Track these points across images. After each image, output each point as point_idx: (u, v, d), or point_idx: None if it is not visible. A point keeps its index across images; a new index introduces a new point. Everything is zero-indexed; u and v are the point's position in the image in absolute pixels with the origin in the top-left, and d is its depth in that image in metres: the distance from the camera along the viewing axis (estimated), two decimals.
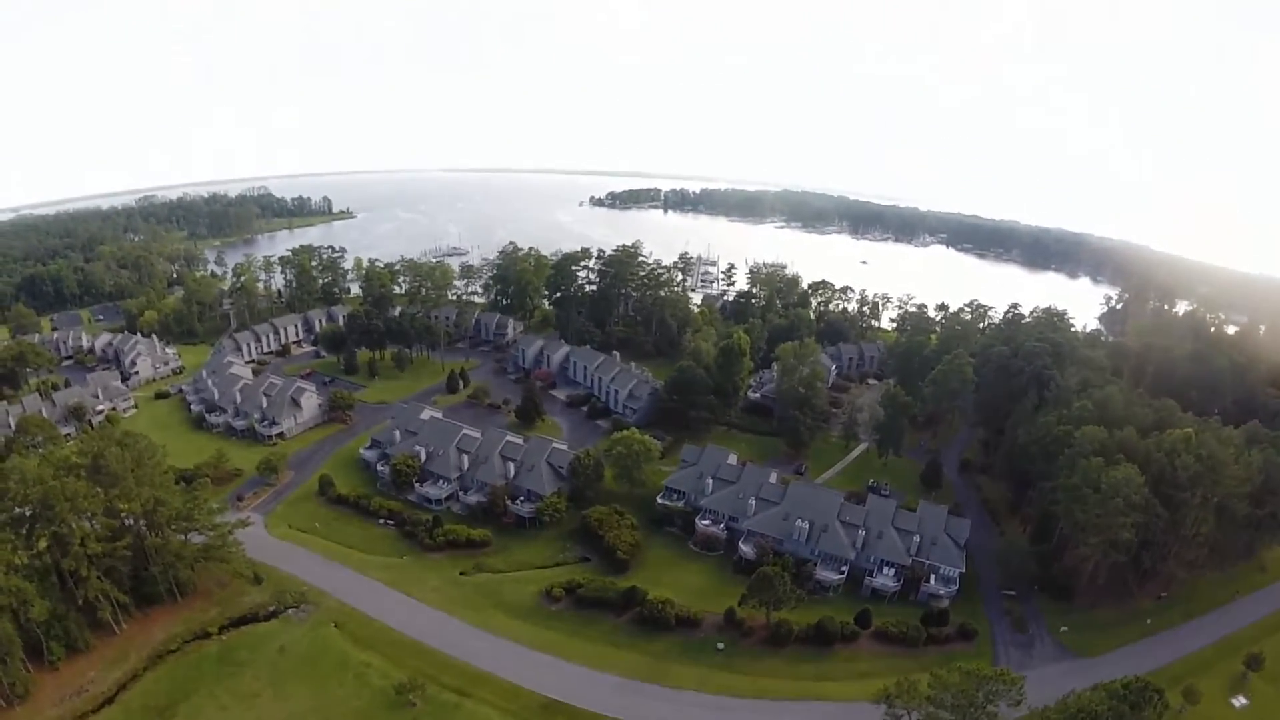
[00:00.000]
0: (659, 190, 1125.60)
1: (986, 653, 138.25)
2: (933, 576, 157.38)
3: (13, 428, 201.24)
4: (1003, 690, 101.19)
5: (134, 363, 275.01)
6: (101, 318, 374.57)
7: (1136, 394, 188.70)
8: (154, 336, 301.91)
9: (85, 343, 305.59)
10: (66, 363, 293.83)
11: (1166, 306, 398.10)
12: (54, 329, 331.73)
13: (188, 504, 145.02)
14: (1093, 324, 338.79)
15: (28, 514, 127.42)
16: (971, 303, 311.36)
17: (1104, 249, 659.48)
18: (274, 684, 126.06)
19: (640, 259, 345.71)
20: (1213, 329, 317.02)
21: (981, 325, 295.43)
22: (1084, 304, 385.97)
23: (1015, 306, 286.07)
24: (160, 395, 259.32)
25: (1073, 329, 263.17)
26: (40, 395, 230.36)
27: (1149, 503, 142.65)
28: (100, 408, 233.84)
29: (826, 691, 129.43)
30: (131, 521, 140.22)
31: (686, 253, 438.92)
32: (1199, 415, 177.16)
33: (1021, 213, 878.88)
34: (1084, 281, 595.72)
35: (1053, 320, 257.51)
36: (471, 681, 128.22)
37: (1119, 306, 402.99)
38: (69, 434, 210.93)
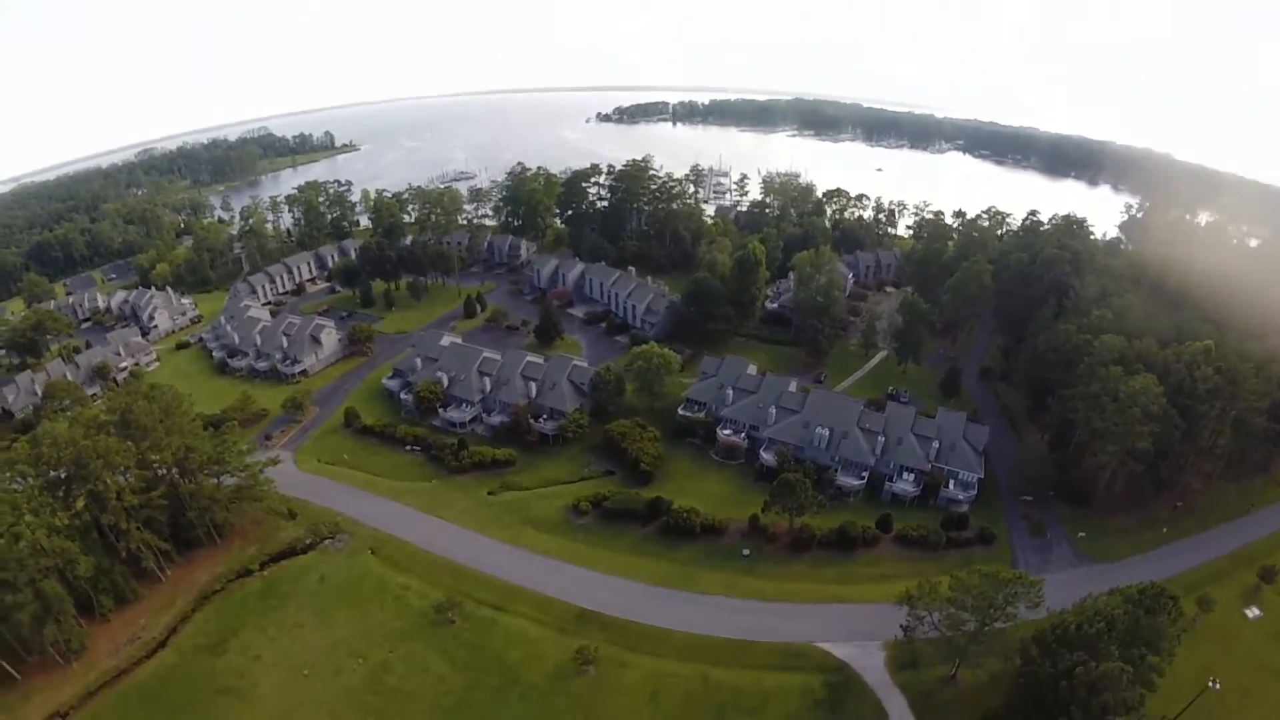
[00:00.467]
0: (667, 103, 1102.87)
1: (1005, 557, 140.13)
2: (951, 482, 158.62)
3: (39, 395, 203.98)
4: (1021, 592, 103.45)
5: (151, 317, 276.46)
6: (114, 276, 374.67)
7: (1156, 304, 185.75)
8: (168, 288, 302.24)
9: (101, 303, 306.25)
10: (85, 325, 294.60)
11: (1189, 217, 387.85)
12: (68, 293, 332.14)
13: (217, 448, 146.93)
14: (1113, 233, 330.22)
15: (63, 476, 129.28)
16: (989, 209, 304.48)
17: (1125, 157, 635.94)
18: (317, 613, 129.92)
19: (651, 173, 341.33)
20: (1235, 241, 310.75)
21: (999, 232, 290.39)
22: (1104, 212, 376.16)
23: (1034, 214, 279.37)
24: (181, 346, 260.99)
25: (1092, 237, 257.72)
26: (63, 360, 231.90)
27: (1167, 413, 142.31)
28: (123, 365, 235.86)
29: (849, 594, 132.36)
30: (164, 471, 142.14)
31: (698, 165, 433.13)
32: (1220, 328, 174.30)
33: (1041, 119, 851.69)
34: (1104, 190, 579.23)
35: (1072, 228, 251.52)
36: (506, 596, 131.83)
37: (1140, 216, 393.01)
38: (95, 394, 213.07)
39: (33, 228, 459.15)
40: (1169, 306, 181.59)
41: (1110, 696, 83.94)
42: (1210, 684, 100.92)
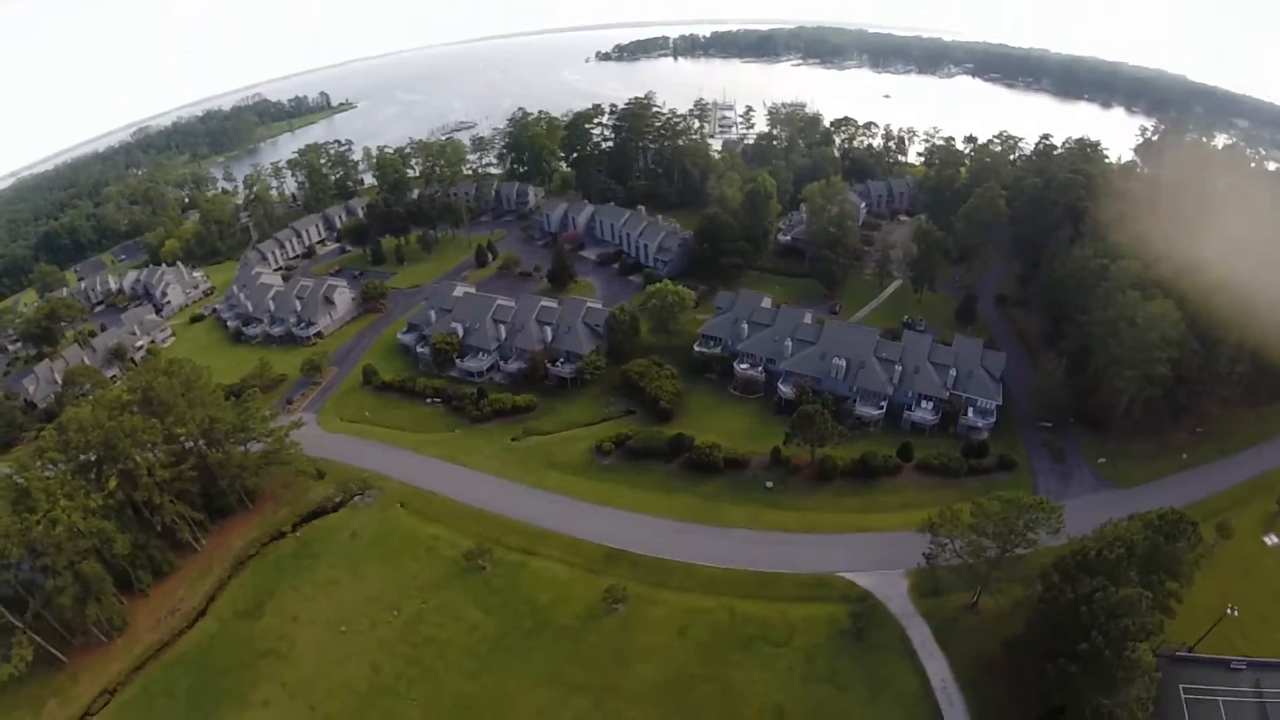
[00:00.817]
0: (667, 38, 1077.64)
1: (1026, 483, 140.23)
2: (970, 409, 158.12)
3: (60, 383, 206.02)
4: (1042, 518, 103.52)
5: (164, 293, 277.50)
6: (124, 257, 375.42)
7: (1174, 228, 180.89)
8: (179, 264, 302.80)
9: (113, 285, 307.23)
10: (99, 309, 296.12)
11: (1204, 140, 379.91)
12: (79, 279, 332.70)
13: (241, 416, 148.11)
14: (1128, 156, 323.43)
15: (93, 458, 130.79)
16: (1001, 134, 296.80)
17: (1139, 78, 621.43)
18: (350, 569, 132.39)
19: (655, 110, 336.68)
20: (1253, 164, 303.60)
21: (1012, 157, 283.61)
22: (1118, 135, 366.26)
23: (1047, 137, 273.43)
24: (195, 319, 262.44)
25: (1107, 161, 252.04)
26: (79, 345, 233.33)
27: (1185, 339, 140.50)
28: (140, 343, 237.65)
29: (873, 523, 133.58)
30: (191, 444, 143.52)
31: (702, 99, 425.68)
32: (1239, 253, 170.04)
33: (1052, 41, 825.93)
34: (1118, 112, 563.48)
35: (1086, 151, 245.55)
36: (535, 540, 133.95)
37: (1155, 138, 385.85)
38: (114, 375, 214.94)
39: (38, 219, 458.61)
40: (1187, 231, 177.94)
41: (1130, 621, 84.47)
42: (1229, 610, 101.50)
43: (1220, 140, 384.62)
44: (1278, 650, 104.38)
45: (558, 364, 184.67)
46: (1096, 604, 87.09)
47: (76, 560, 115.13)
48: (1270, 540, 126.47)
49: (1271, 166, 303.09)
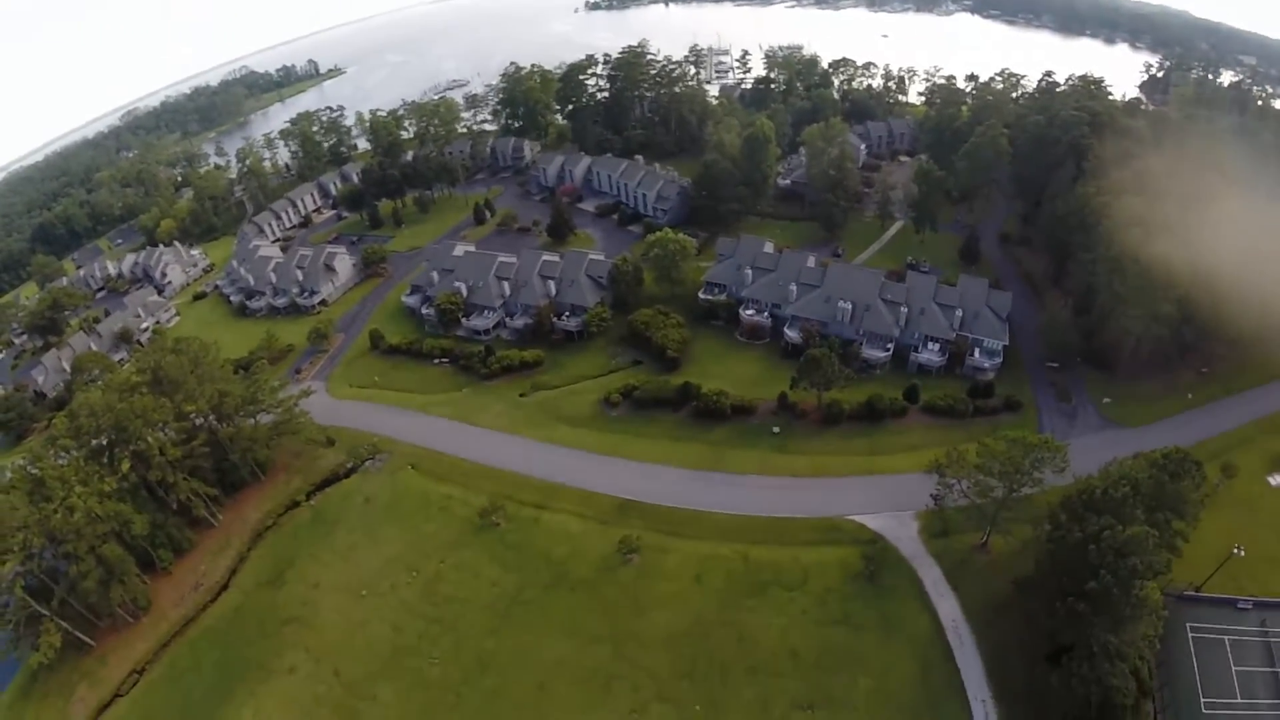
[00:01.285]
0: None
1: (1032, 423, 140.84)
2: (976, 350, 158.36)
3: (68, 370, 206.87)
4: (1048, 457, 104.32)
5: (164, 274, 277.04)
6: (120, 241, 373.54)
7: (1179, 166, 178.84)
8: (176, 243, 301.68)
9: (112, 270, 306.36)
10: (100, 295, 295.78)
11: (1210, 76, 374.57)
12: (78, 268, 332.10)
13: (250, 389, 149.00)
14: (1132, 93, 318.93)
15: (105, 442, 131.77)
16: (1003, 72, 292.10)
17: (1142, 14, 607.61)
18: (367, 534, 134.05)
19: (649, 58, 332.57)
20: (1260, 102, 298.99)
21: (1015, 95, 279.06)
22: (1122, 72, 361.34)
23: (1049, 75, 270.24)
24: (198, 297, 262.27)
25: (1110, 98, 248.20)
26: (85, 332, 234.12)
27: (1190, 277, 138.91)
28: (145, 325, 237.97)
29: (880, 466, 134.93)
30: (202, 420, 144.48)
31: (696, 45, 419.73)
32: (1246, 190, 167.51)
33: None
34: (1121, 48, 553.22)
35: (1089, 88, 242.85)
36: (547, 495, 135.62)
37: (1160, 75, 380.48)
38: (122, 359, 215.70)
39: (31, 211, 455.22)
40: (1193, 168, 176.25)
41: (1137, 560, 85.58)
42: (1235, 550, 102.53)
43: (1226, 77, 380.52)
44: None
45: (563, 318, 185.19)
46: (1104, 543, 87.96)
47: (97, 544, 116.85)
48: (1275, 480, 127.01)
49: (1278, 104, 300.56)
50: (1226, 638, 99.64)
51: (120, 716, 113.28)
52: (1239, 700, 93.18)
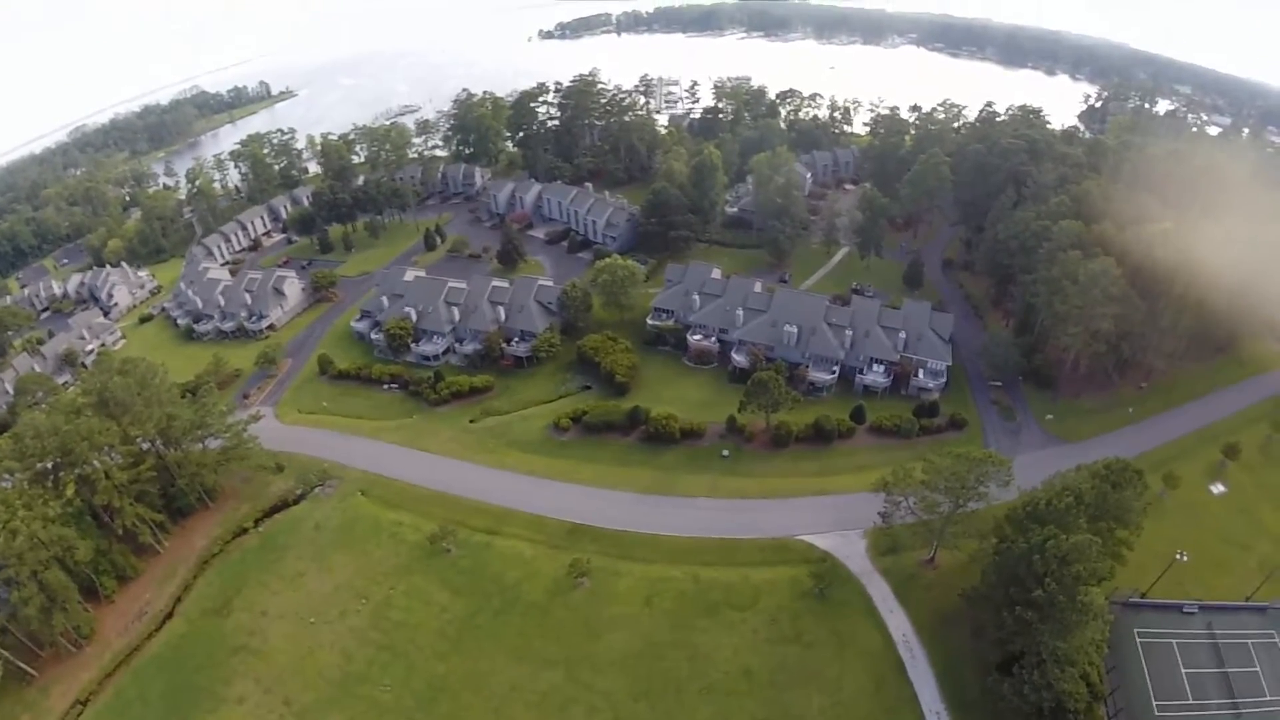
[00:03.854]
0: (610, 14, 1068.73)
1: (977, 440, 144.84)
2: (921, 371, 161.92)
3: (11, 392, 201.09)
4: (992, 471, 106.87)
5: (110, 295, 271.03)
6: (66, 261, 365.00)
7: (1115, 190, 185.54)
8: (123, 264, 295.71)
9: (58, 290, 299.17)
10: (45, 315, 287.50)
11: (1147, 105, 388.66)
12: (22, 286, 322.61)
13: (198, 413, 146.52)
14: (1071, 122, 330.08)
15: (50, 465, 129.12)
16: (945, 102, 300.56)
17: (1082, 46, 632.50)
18: (316, 560, 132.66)
19: (600, 86, 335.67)
20: (1194, 129, 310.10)
21: (956, 125, 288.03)
22: (1062, 102, 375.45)
23: (990, 105, 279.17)
24: (144, 319, 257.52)
25: (1049, 126, 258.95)
26: (29, 354, 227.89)
27: (1127, 294, 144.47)
28: (90, 348, 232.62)
29: (829, 486, 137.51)
30: (149, 444, 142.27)
31: (647, 75, 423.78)
32: (1179, 210, 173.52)
33: (995, 9, 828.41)
34: (1062, 79, 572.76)
35: (1028, 118, 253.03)
36: (498, 520, 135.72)
37: (1098, 105, 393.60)
38: (66, 382, 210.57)
39: None
40: (1127, 192, 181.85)
41: (1081, 567, 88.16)
42: (1179, 556, 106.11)
43: (1162, 106, 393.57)
44: (1228, 594, 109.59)
45: (512, 343, 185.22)
46: (1048, 552, 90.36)
47: (40, 570, 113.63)
48: (1216, 489, 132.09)
49: (1212, 131, 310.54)
50: (1175, 641, 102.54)
51: None
52: (1190, 701, 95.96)
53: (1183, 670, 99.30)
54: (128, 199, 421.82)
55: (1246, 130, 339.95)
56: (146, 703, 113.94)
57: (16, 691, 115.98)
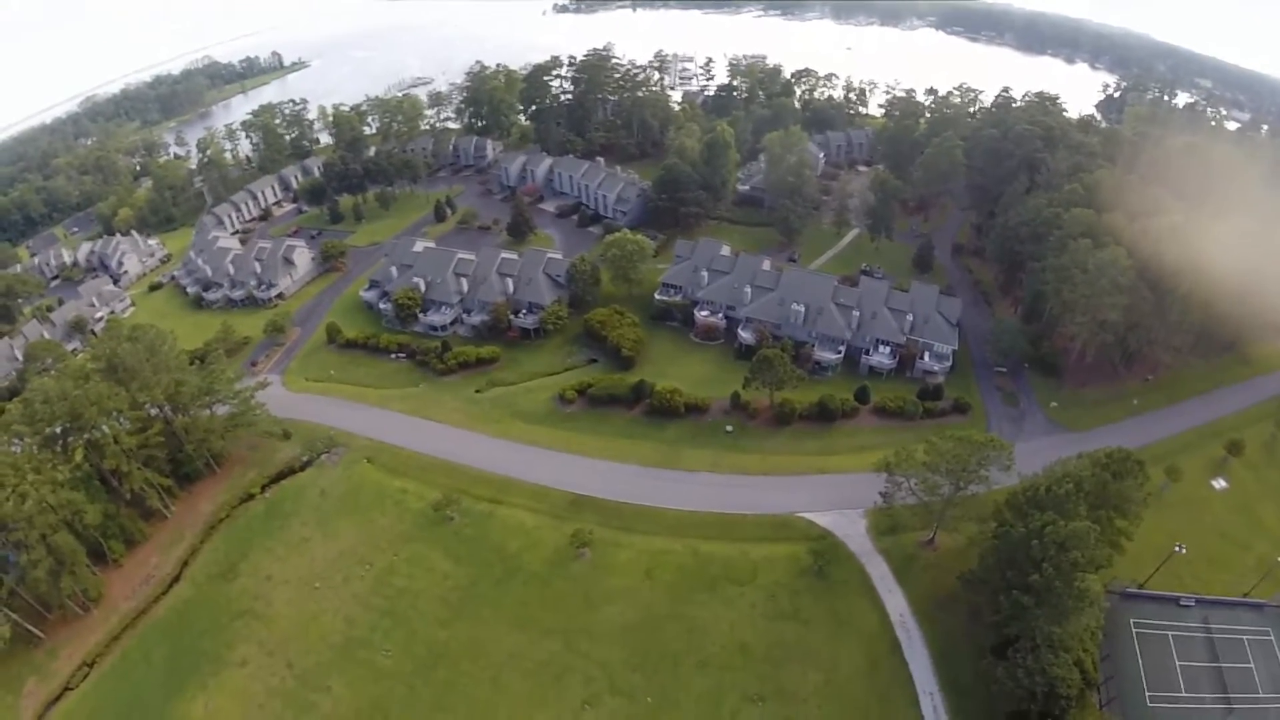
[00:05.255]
0: None
1: (980, 425, 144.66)
2: (927, 354, 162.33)
3: (20, 359, 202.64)
4: (994, 455, 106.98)
5: (120, 263, 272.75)
6: (76, 229, 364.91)
7: (1129, 181, 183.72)
8: (133, 233, 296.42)
9: (68, 258, 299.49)
10: (55, 283, 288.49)
11: (1166, 98, 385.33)
12: (32, 255, 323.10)
13: (206, 379, 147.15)
14: (1088, 111, 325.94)
15: (59, 430, 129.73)
16: (961, 86, 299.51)
17: (1103, 34, 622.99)
18: (321, 526, 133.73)
19: (614, 61, 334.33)
20: (1213, 123, 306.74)
21: (972, 109, 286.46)
22: (1080, 91, 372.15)
23: (1006, 90, 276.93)
24: (154, 287, 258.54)
25: (1065, 114, 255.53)
26: (39, 321, 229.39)
27: (1135, 286, 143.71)
28: (99, 315, 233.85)
29: (830, 465, 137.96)
30: (157, 409, 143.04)
31: (662, 50, 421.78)
32: (1192, 205, 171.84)
33: None
34: (1081, 68, 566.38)
35: (1045, 104, 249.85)
36: (501, 489, 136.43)
37: (1117, 95, 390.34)
38: (75, 349, 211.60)
39: None
40: (1141, 183, 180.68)
41: (1079, 554, 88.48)
42: (1177, 548, 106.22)
43: (1182, 99, 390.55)
44: (1226, 589, 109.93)
45: (520, 315, 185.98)
46: (1047, 537, 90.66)
47: (48, 533, 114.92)
48: (1218, 484, 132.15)
49: (1231, 126, 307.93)
50: (1170, 633, 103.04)
51: (70, 710, 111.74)
52: (1184, 694, 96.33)
53: (1177, 663, 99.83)
54: (138, 168, 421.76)
55: (1266, 127, 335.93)
56: (151, 665, 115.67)
57: (25, 654, 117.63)
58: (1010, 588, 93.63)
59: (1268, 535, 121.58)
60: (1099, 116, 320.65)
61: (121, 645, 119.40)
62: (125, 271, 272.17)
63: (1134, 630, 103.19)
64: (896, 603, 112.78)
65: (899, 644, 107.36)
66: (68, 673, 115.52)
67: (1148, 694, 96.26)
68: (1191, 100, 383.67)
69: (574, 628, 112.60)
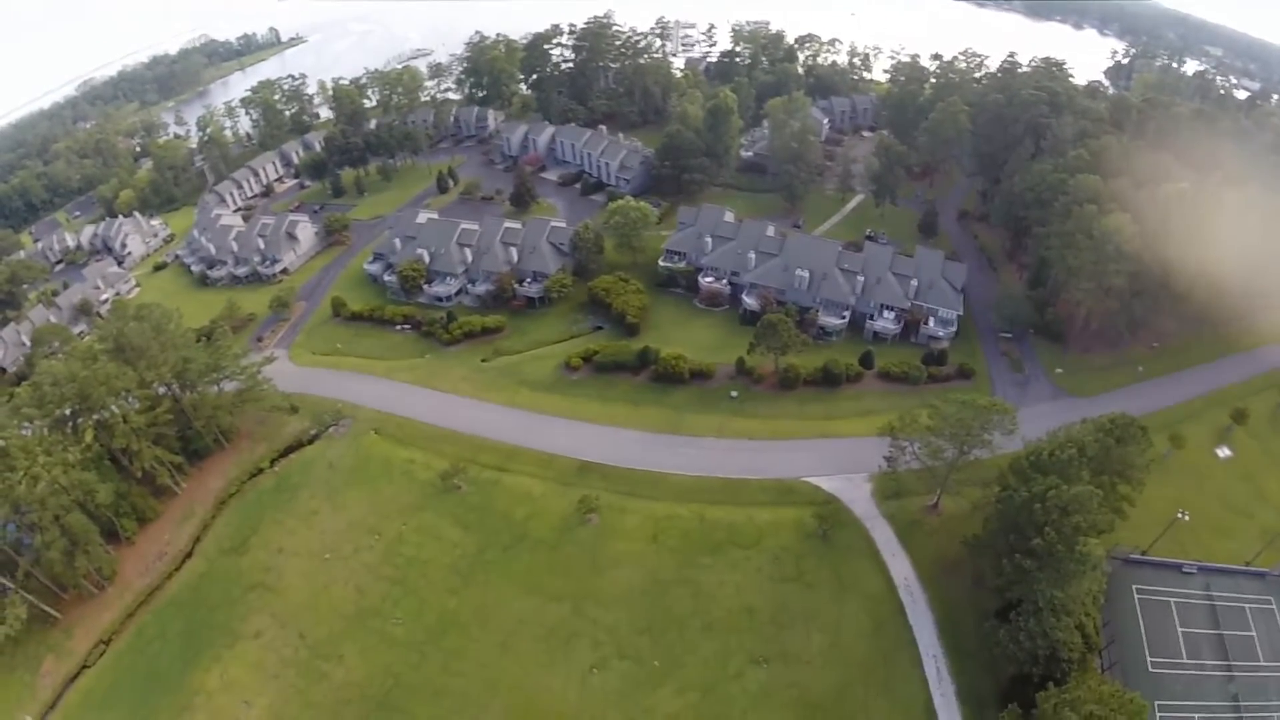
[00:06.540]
0: None
1: (985, 390, 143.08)
2: (931, 319, 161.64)
3: (28, 344, 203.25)
4: (997, 420, 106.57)
5: (124, 245, 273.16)
6: (79, 213, 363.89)
7: (1134, 147, 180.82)
8: (136, 214, 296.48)
9: (70, 242, 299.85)
10: (59, 268, 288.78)
11: (1175, 65, 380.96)
12: (35, 241, 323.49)
13: (213, 356, 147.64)
14: (1096, 77, 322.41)
15: (68, 412, 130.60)
16: (966, 51, 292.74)
17: (1112, 1, 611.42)
18: (330, 498, 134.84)
19: (615, 28, 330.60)
20: (1221, 91, 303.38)
21: (977, 75, 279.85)
22: (1088, 57, 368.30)
23: (1012, 55, 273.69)
24: (158, 267, 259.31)
25: (1072, 80, 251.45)
26: (45, 305, 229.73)
27: (1140, 252, 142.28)
28: (104, 297, 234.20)
29: (835, 430, 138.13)
30: (165, 387, 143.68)
31: (663, 17, 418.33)
32: (1199, 172, 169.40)
33: None
34: (1089, 34, 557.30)
35: (1051, 70, 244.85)
36: (508, 457, 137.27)
37: (1125, 62, 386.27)
38: (81, 331, 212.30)
39: None
40: (1148, 150, 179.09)
41: (1081, 518, 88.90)
42: (1180, 515, 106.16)
43: (1191, 67, 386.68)
44: (1229, 557, 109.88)
45: (525, 284, 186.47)
46: (1049, 501, 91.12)
47: (61, 514, 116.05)
48: (1223, 453, 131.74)
49: (1241, 95, 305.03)
50: (1172, 600, 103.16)
51: (88, 688, 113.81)
52: (1185, 660, 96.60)
53: (1179, 629, 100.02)
54: (138, 149, 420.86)
55: (1277, 97, 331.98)
56: (167, 640, 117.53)
57: (41, 633, 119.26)
58: (1013, 551, 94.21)
59: (1271, 504, 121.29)
60: (1106, 83, 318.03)
61: (136, 621, 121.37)
62: (129, 253, 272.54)
63: (1136, 596, 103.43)
64: (900, 566, 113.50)
65: (903, 607, 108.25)
66: (84, 650, 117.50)
67: (1149, 659, 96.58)
68: (1201, 68, 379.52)
69: (581, 593, 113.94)
